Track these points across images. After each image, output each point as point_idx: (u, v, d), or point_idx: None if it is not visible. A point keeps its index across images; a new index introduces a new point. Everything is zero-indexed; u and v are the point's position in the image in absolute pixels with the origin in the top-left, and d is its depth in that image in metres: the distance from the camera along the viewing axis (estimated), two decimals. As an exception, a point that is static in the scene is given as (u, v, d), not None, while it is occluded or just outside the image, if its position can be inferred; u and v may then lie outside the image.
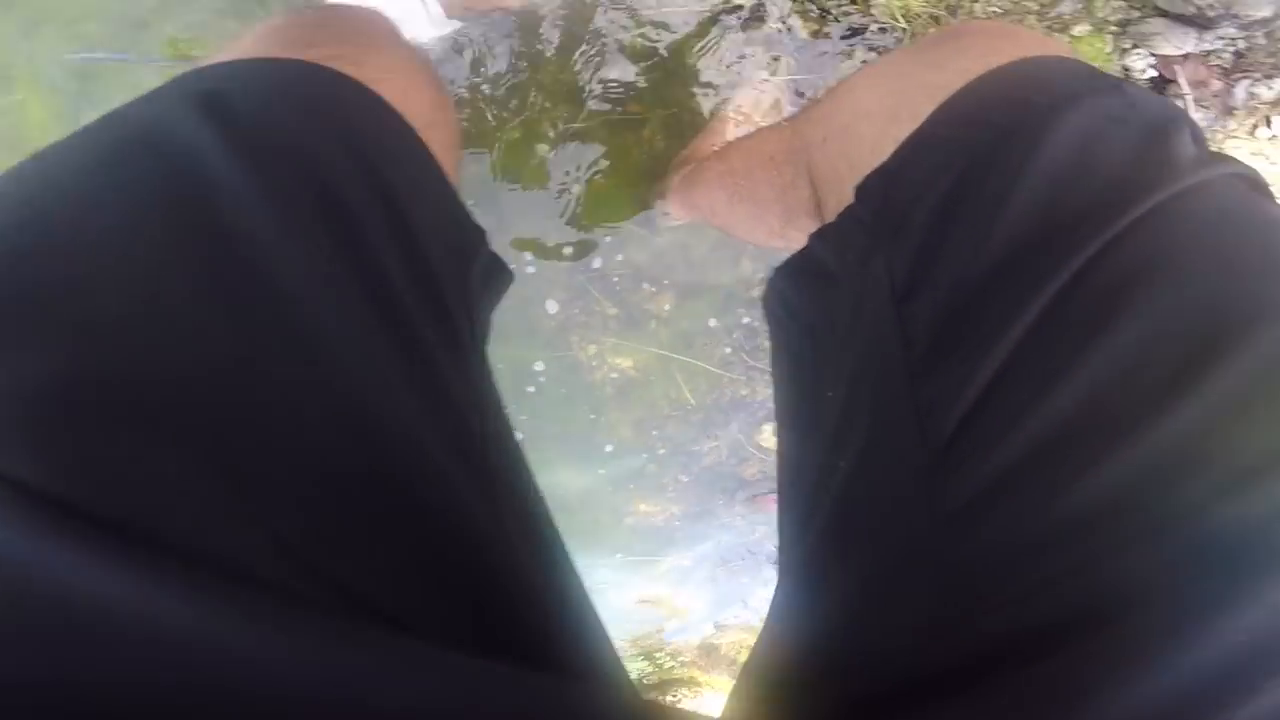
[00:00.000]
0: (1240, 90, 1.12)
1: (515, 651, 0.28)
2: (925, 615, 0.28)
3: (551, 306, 1.11)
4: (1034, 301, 0.30)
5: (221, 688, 0.18)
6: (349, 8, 0.55)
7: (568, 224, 1.06)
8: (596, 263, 1.09)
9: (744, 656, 1.46)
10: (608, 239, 1.08)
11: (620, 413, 1.21)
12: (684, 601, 1.44)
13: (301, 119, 0.33)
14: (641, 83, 1.00)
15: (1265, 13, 0.96)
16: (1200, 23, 0.99)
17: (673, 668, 1.45)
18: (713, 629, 1.47)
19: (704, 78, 1.02)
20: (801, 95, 1.03)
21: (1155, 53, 1.05)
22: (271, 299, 0.28)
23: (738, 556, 1.40)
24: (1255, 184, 0.35)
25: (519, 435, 0.38)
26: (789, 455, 0.44)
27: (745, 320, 1.18)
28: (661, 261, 1.11)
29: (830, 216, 0.46)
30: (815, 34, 1.00)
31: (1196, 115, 1.11)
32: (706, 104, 1.03)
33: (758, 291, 1.16)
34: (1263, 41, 1.06)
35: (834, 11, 0.99)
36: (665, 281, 1.12)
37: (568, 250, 1.08)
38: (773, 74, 1.00)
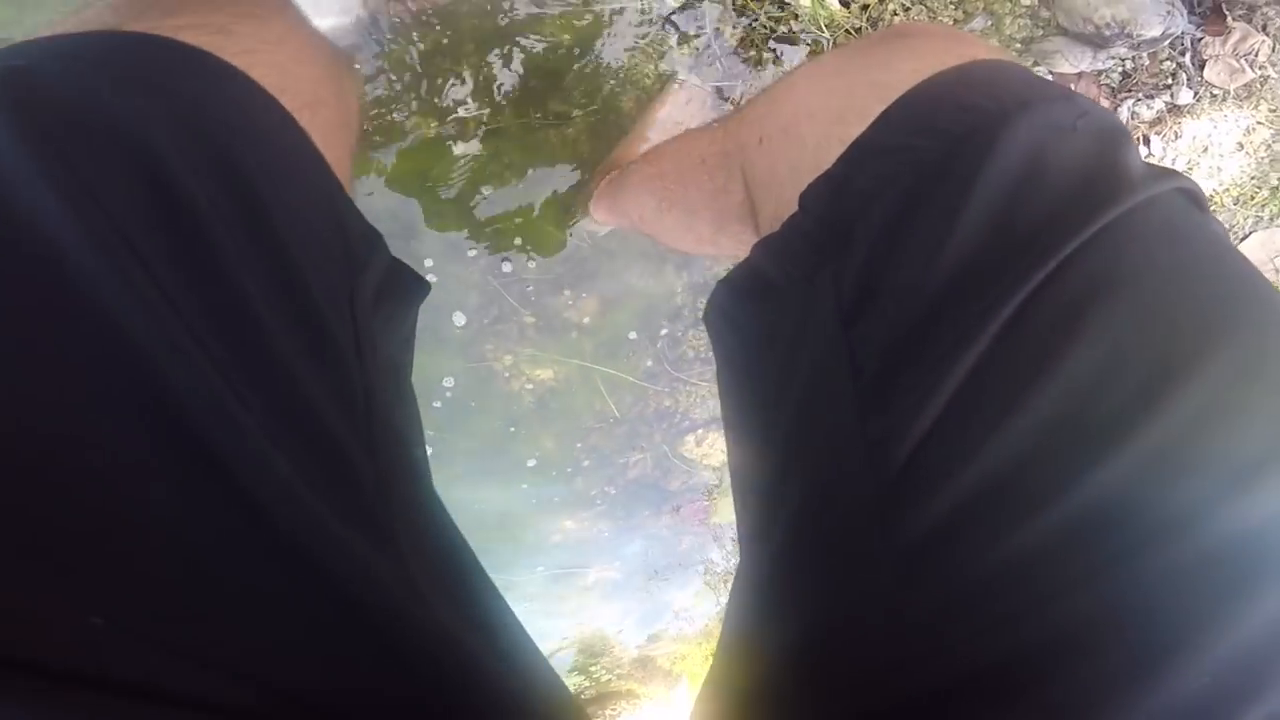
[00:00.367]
0: (1124, 110, 1.19)
1: (452, 704, 0.26)
2: (886, 648, 0.27)
3: (459, 318, 1.07)
4: (987, 327, 0.29)
5: None
6: None
7: (482, 227, 1.02)
8: (506, 267, 1.05)
9: (680, 666, 1.46)
10: (518, 241, 1.05)
11: (541, 425, 1.18)
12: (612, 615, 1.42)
13: (127, 101, 0.28)
14: (565, 82, 0.98)
15: (1155, 32, 1.02)
16: (1097, 41, 1.05)
17: (609, 681, 1.43)
18: (646, 640, 1.46)
19: (629, 78, 1.00)
20: (725, 100, 1.03)
21: (1053, 70, 1.10)
22: (69, 325, 0.23)
23: (667, 568, 1.39)
24: (1195, 198, 0.35)
25: (429, 450, 0.34)
26: (739, 470, 0.42)
27: (665, 331, 1.17)
28: (583, 269, 1.09)
29: (765, 222, 0.44)
30: (742, 41, 1.00)
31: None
32: (632, 106, 1.01)
33: (681, 300, 1.15)
34: (1146, 62, 1.13)
35: (761, 18, 0.99)
36: (585, 290, 1.10)
37: (473, 253, 1.04)
38: (700, 78, 1.00)
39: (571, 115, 0.99)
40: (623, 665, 1.45)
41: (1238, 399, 0.26)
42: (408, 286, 0.41)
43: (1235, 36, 1.13)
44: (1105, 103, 1.18)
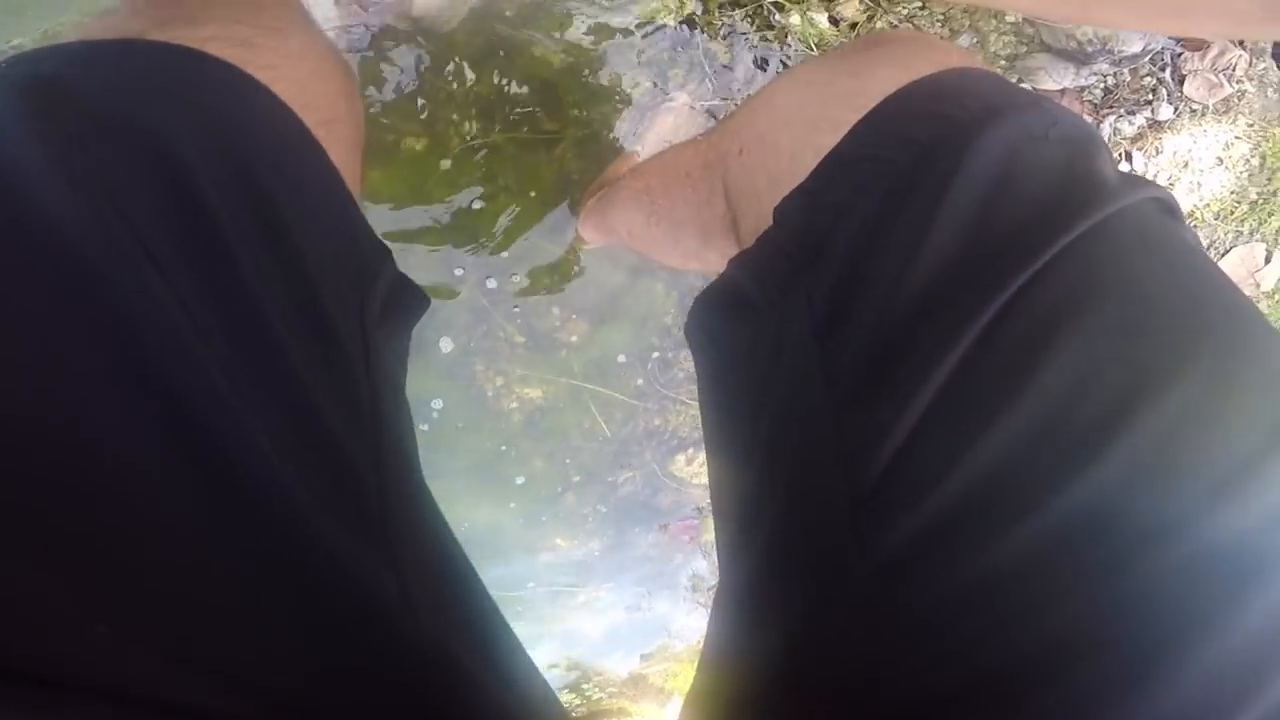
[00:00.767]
0: (1106, 125, 1.20)
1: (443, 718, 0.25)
2: (867, 659, 0.27)
3: (445, 345, 1.06)
4: (961, 338, 0.29)
5: None
6: None
7: (468, 242, 1.02)
8: (491, 283, 1.05)
9: (672, 684, 1.44)
10: (505, 256, 1.04)
11: (532, 444, 1.17)
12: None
13: (154, 111, 0.29)
14: (555, 100, 0.98)
15: (1136, 49, 1.03)
16: (1079, 58, 1.06)
17: (601, 699, 1.41)
18: (638, 659, 1.44)
19: (620, 97, 1.01)
20: (715, 119, 1.03)
21: (1037, 87, 1.12)
22: (88, 332, 0.23)
23: (658, 585, 1.38)
24: (1168, 208, 0.35)
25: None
26: (718, 483, 0.42)
27: (656, 352, 1.17)
28: (571, 286, 1.08)
29: (746, 235, 0.44)
30: (730, 61, 1.01)
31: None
32: (624, 126, 1.01)
33: (671, 320, 1.15)
34: (1128, 78, 1.15)
35: (753, 38, 1.00)
36: (574, 308, 1.10)
37: (460, 271, 1.03)
38: (692, 97, 1.01)
39: (561, 133, 0.99)
40: (614, 683, 1.43)
41: (1215, 406, 0.26)
42: (410, 301, 0.42)
43: (1214, 51, 1.15)
44: (1088, 119, 1.19)
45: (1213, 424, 0.26)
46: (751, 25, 0.99)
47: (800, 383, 0.33)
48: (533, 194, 1.01)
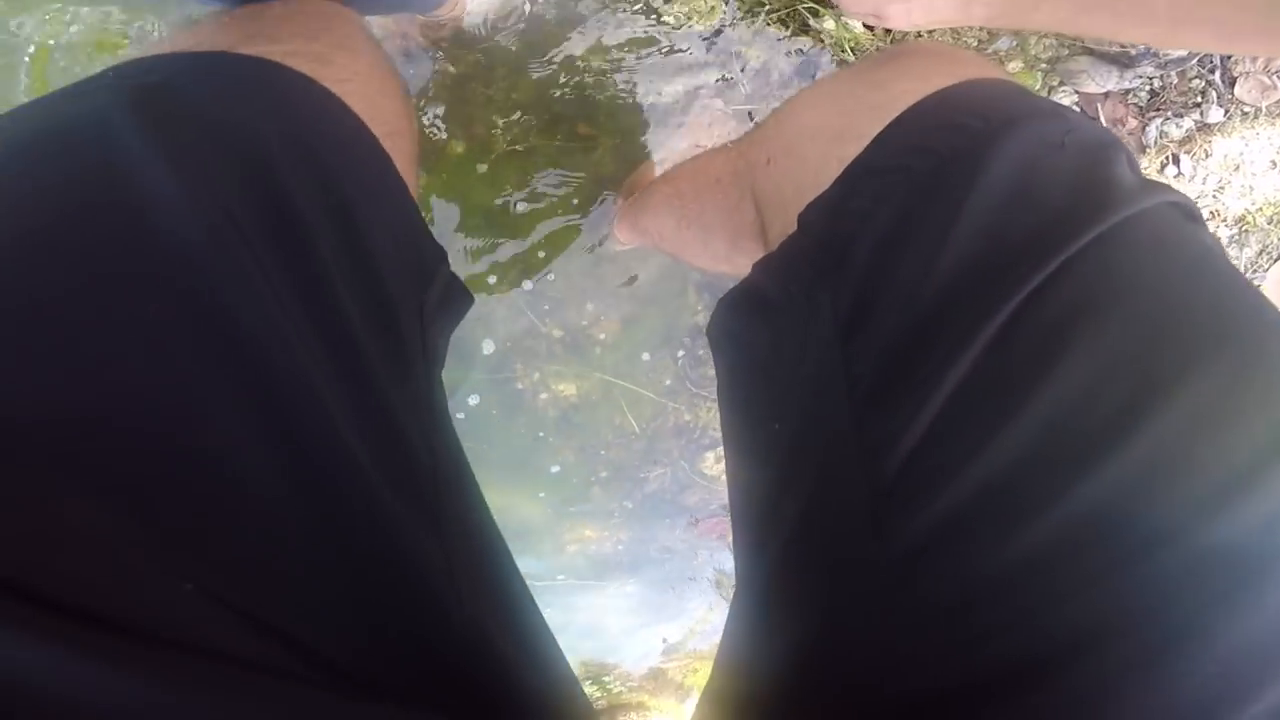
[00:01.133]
0: (1153, 129, 1.18)
1: (475, 694, 0.27)
2: (886, 653, 0.28)
3: (487, 345, 1.08)
4: (977, 339, 0.29)
5: None
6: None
7: (513, 241, 1.04)
8: (528, 285, 1.07)
9: (691, 680, 1.45)
10: (541, 255, 1.06)
11: (563, 439, 1.19)
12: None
13: (249, 122, 0.31)
14: (592, 105, 1.00)
15: (1182, 52, 1.01)
16: (1123, 61, 1.04)
17: (621, 692, 1.43)
18: (660, 654, 1.45)
19: (653, 102, 1.02)
20: (751, 120, 1.04)
21: (1080, 90, 1.10)
22: (200, 325, 0.26)
23: (682, 581, 1.39)
24: (1189, 213, 0.35)
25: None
26: (738, 482, 0.43)
27: (681, 353, 1.17)
28: (604, 287, 1.10)
29: (774, 241, 0.45)
30: (764, 65, 1.01)
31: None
32: (658, 131, 1.02)
33: (701, 318, 1.16)
34: (1175, 80, 1.12)
35: (785, 42, 1.00)
36: (608, 307, 1.11)
37: (494, 280, 1.05)
38: (726, 102, 1.01)
39: (596, 138, 1.01)
40: (634, 677, 1.44)
41: (1228, 407, 0.27)
42: (457, 300, 0.44)
43: (1266, 55, 1.11)
44: (1133, 122, 1.17)
45: (1226, 424, 0.27)
46: (786, 30, 0.99)
47: (823, 383, 0.34)
48: (572, 200, 1.03)
